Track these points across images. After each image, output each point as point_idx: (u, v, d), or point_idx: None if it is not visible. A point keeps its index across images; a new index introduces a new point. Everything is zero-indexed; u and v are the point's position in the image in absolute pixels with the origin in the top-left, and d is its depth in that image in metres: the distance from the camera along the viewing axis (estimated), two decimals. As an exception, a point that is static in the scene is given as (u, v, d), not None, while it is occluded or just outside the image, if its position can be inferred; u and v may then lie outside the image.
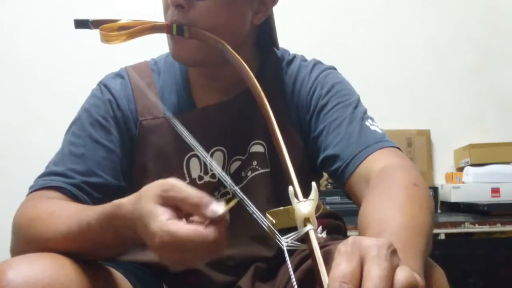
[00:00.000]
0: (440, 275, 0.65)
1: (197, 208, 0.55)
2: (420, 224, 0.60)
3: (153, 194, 0.57)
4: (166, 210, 0.55)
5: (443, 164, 2.31)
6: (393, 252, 0.43)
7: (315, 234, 0.50)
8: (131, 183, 0.90)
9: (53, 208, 0.74)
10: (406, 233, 0.57)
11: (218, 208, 0.55)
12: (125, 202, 0.61)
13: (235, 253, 0.89)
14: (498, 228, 1.77)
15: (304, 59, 0.99)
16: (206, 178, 0.91)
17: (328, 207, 1.35)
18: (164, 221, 0.54)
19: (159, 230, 0.54)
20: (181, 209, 0.56)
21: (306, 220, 0.51)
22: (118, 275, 0.75)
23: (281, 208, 0.54)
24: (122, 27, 0.86)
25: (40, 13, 2.26)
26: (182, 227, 0.54)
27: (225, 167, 0.92)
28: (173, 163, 0.91)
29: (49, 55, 2.24)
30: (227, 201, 0.56)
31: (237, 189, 0.59)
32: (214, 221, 0.54)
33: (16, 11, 2.26)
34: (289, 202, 0.53)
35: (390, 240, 0.44)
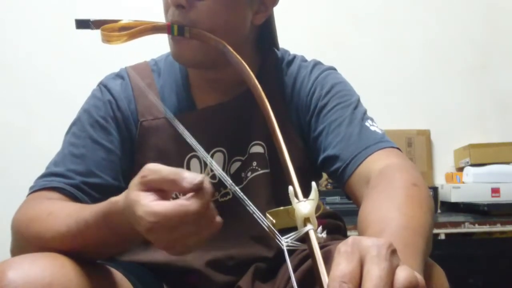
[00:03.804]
0: (440, 275, 0.65)
1: (175, 184, 0.56)
2: (420, 224, 0.60)
3: (135, 182, 0.58)
4: (148, 194, 0.56)
5: (443, 164, 2.31)
6: (393, 252, 0.43)
7: (315, 234, 0.50)
8: (131, 183, 0.90)
9: (52, 208, 0.74)
10: (406, 233, 0.57)
11: (194, 176, 0.55)
12: (118, 199, 0.61)
13: (235, 253, 0.89)
14: (498, 228, 1.77)
15: (304, 60, 0.99)
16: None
17: (328, 207, 1.35)
18: (147, 204, 0.55)
19: (143, 213, 0.55)
20: (164, 190, 0.57)
21: (306, 220, 0.51)
22: (118, 275, 0.75)
23: (281, 208, 0.54)
24: (123, 28, 0.86)
25: (40, 13, 2.26)
26: (164, 204, 0.55)
27: (225, 167, 0.92)
28: (173, 164, 0.89)
29: (49, 55, 2.24)
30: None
31: (237, 189, 0.59)
32: (196, 192, 0.55)
33: (16, 11, 2.26)
34: (288, 203, 0.53)
35: (390, 240, 0.44)
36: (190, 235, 0.57)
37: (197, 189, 0.55)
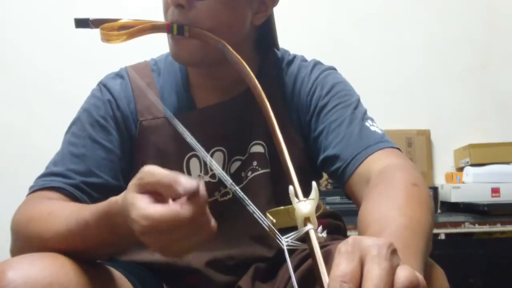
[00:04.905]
0: (440, 275, 0.65)
1: (170, 188, 0.55)
2: (420, 224, 0.60)
3: (131, 184, 0.57)
4: (144, 197, 0.56)
5: (443, 164, 2.31)
6: (394, 251, 0.43)
7: (316, 234, 0.50)
8: (131, 183, 0.90)
9: (52, 208, 0.74)
10: (406, 233, 0.57)
11: (190, 183, 0.55)
12: (118, 198, 0.61)
13: (235, 253, 0.89)
14: (498, 228, 1.77)
15: (304, 60, 0.99)
16: (206, 178, 0.91)
17: (328, 207, 1.35)
18: (141, 207, 0.55)
19: (137, 215, 0.55)
20: (160, 193, 0.56)
21: (307, 220, 0.51)
22: (118, 275, 0.75)
23: (282, 207, 0.54)
24: (123, 27, 0.86)
25: (40, 13, 2.26)
26: (157, 208, 0.54)
27: (225, 167, 0.91)
28: (173, 163, 0.91)
29: (49, 55, 2.24)
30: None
31: (237, 188, 0.59)
32: (190, 198, 0.55)
33: (16, 11, 2.26)
34: (288, 203, 0.53)
35: (390, 240, 0.44)
36: (184, 239, 0.56)
37: (192, 195, 0.55)
